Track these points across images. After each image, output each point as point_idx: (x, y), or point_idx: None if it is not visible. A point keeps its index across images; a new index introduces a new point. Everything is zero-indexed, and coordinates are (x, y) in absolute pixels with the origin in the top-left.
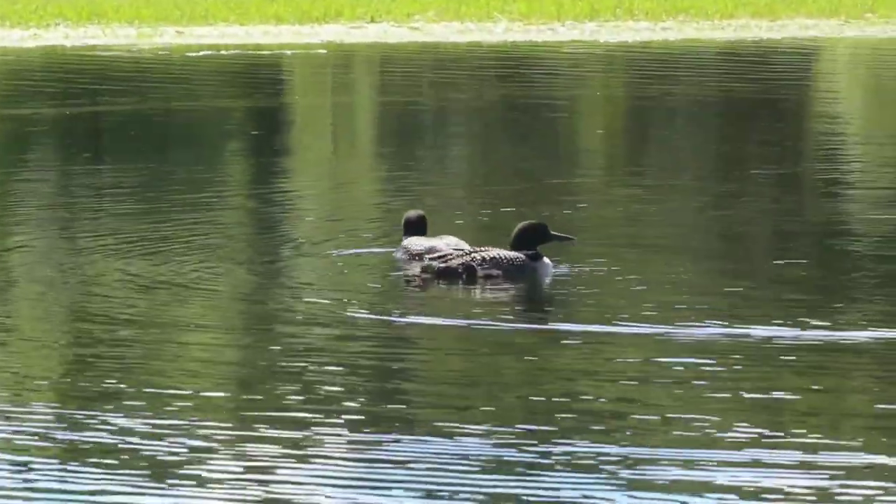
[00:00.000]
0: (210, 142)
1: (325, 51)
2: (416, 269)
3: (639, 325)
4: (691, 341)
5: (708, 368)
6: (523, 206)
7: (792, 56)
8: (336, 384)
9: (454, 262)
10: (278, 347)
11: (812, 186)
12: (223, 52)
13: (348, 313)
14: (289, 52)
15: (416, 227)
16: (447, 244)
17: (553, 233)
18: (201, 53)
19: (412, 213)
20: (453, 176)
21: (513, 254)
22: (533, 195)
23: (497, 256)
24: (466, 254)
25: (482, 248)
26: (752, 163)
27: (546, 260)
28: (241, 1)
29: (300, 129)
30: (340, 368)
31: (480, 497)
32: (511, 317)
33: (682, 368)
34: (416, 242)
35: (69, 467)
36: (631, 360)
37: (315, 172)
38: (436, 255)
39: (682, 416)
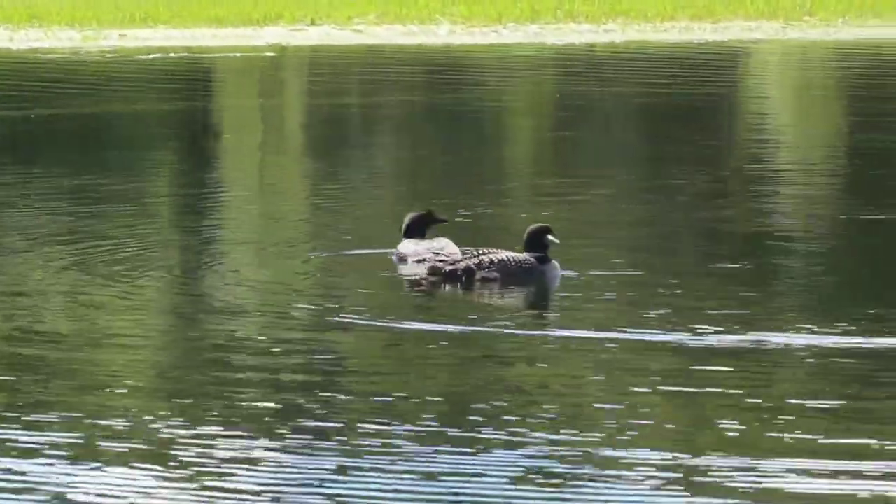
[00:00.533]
0: (143, 145)
1: (273, 53)
2: (422, 271)
3: (633, 331)
4: (701, 348)
5: (723, 375)
6: (453, 208)
7: (733, 58)
8: (327, 390)
9: (462, 265)
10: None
11: (740, 189)
12: (171, 54)
13: (333, 317)
14: (237, 55)
15: (415, 229)
16: (431, 248)
17: (549, 237)
18: (150, 56)
19: (412, 214)
20: (382, 178)
21: (521, 256)
22: (458, 197)
23: (506, 259)
24: (475, 255)
25: (491, 250)
26: (683, 165)
27: (555, 263)
28: (180, 3)
29: (239, 131)
30: (336, 372)
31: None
32: (508, 322)
33: (692, 376)
34: (408, 247)
35: None
36: (627, 366)
37: (247, 175)
38: (438, 257)
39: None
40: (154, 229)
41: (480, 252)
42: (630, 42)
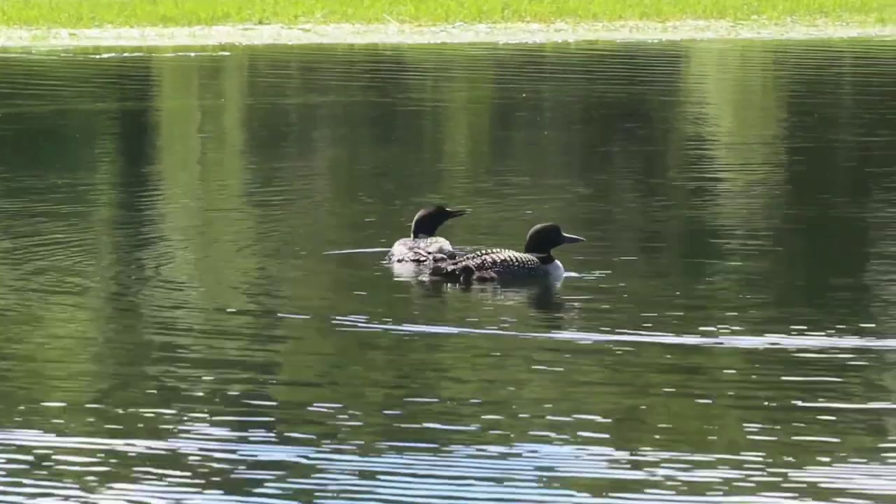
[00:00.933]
0: (81, 145)
1: (225, 52)
2: (427, 270)
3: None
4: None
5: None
6: (392, 208)
7: (681, 57)
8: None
9: (464, 264)
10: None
11: (679, 188)
12: (124, 54)
13: (311, 317)
14: (192, 55)
15: (423, 226)
16: (415, 248)
17: (565, 234)
18: (102, 56)
19: (421, 211)
20: (321, 178)
21: (525, 256)
22: (396, 195)
23: (509, 258)
24: (480, 255)
25: (495, 250)
26: (619, 164)
27: (557, 263)
28: (131, 3)
29: (182, 130)
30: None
31: None
32: (508, 323)
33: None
34: (397, 248)
35: None
36: (630, 368)
37: (189, 174)
38: (437, 256)
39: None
40: (92, 229)
41: (483, 252)
42: (582, 41)
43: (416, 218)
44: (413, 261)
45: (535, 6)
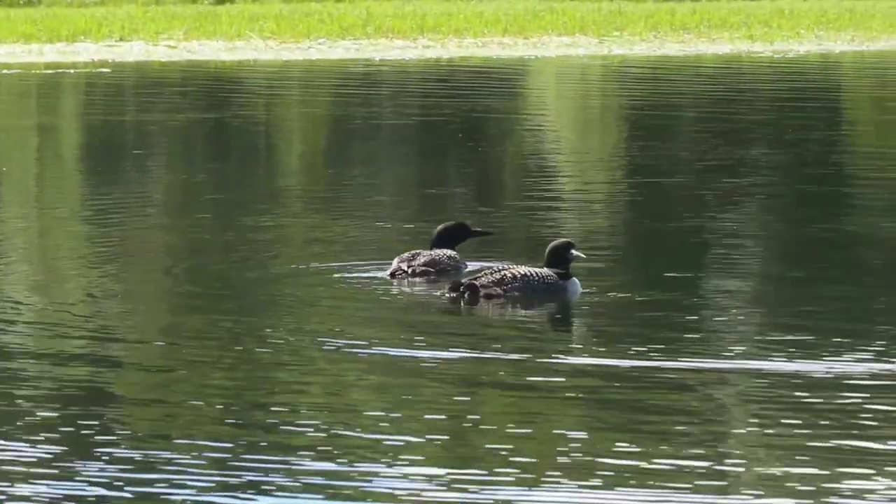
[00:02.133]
0: None
1: (108, 70)
2: (446, 287)
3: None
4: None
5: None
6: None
7: (538, 73)
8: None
9: (481, 280)
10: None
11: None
12: (4, 71)
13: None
14: (72, 71)
15: (443, 240)
16: (404, 259)
17: (574, 252)
18: None
19: (442, 226)
20: (154, 196)
21: (544, 271)
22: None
23: (528, 274)
24: (498, 270)
25: (512, 266)
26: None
27: (575, 279)
28: None
29: (29, 150)
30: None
31: None
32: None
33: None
34: (396, 261)
35: None
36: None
37: (26, 193)
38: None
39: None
40: None
41: (502, 267)
42: (463, 58)
43: (436, 231)
44: (390, 275)
45: (397, 22)
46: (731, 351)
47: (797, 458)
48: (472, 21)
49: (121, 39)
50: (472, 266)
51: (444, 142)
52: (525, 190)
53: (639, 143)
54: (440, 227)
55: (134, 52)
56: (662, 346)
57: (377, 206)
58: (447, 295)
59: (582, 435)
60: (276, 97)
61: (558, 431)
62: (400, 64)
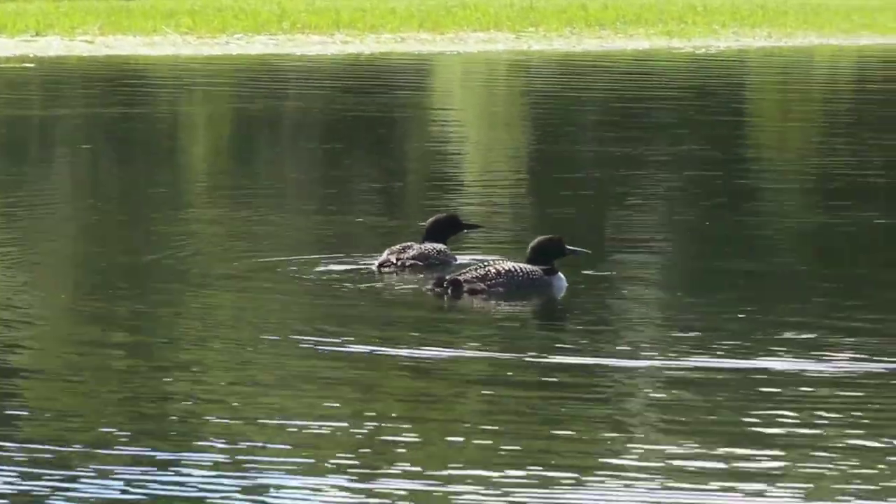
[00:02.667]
0: None
1: (32, 64)
2: (431, 281)
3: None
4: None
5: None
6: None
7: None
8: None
9: (465, 276)
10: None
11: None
12: None
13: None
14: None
15: (435, 233)
16: (394, 252)
17: (569, 247)
18: None
19: (433, 218)
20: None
21: (529, 267)
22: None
23: (513, 269)
24: (482, 266)
25: (497, 260)
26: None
27: (560, 275)
28: None
29: None
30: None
31: None
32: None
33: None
34: (386, 253)
35: None
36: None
37: None
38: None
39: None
40: None
41: (486, 263)
42: (383, 54)
43: (427, 224)
44: (378, 266)
45: (313, 18)
46: (722, 349)
47: (790, 453)
48: (387, 16)
49: (37, 34)
50: (461, 260)
51: (360, 137)
52: (434, 182)
53: (548, 139)
54: (431, 219)
55: (53, 47)
56: (645, 342)
57: (280, 199)
58: (431, 290)
59: (565, 432)
60: (201, 92)
61: (537, 427)
62: (323, 60)
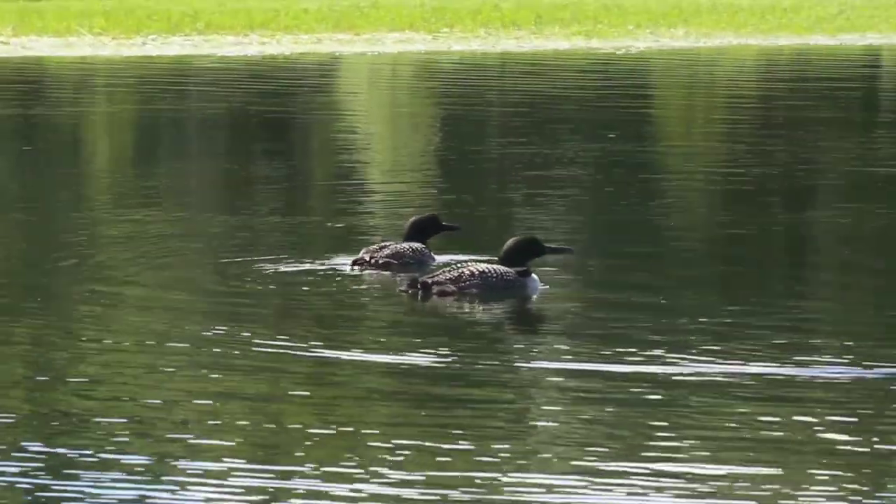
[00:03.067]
0: None
1: None
2: (405, 283)
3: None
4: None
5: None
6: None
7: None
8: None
9: (438, 277)
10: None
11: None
12: None
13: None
14: None
15: (414, 234)
16: (370, 251)
17: (550, 246)
18: None
19: (413, 219)
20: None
21: (502, 269)
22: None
23: (487, 271)
24: (456, 268)
25: (471, 263)
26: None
27: (534, 276)
28: None
29: None
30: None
31: None
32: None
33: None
34: (363, 251)
35: None
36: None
37: None
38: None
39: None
40: None
41: (460, 264)
42: (294, 54)
43: (408, 224)
44: (354, 263)
45: (226, 19)
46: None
47: (756, 458)
48: (300, 17)
49: None
50: (440, 259)
51: (273, 138)
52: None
53: (461, 138)
54: (411, 219)
55: None
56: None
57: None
58: (403, 291)
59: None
60: (113, 93)
61: (509, 426)
62: (241, 61)
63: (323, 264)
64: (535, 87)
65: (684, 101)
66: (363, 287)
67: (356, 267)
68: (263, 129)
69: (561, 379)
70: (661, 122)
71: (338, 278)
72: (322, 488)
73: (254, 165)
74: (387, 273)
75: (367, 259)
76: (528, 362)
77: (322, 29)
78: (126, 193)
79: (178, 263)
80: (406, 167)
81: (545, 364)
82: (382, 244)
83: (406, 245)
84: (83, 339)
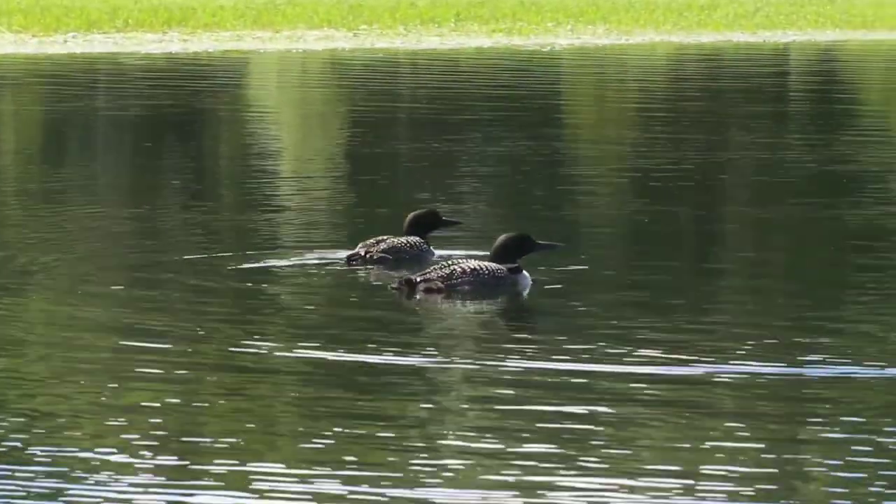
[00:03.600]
0: None
1: None
2: (395, 280)
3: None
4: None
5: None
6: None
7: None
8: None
9: (429, 274)
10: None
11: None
12: None
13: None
14: None
15: (414, 229)
16: (367, 246)
17: (541, 241)
18: None
19: (413, 214)
20: None
21: (494, 266)
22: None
23: (478, 268)
24: (448, 264)
25: (462, 260)
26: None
27: (525, 273)
28: None
29: None
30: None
31: None
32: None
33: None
34: (359, 246)
35: None
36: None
37: None
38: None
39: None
40: None
41: (451, 261)
42: (217, 52)
43: (407, 219)
44: (348, 259)
45: (145, 16)
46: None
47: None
48: (218, 14)
49: None
50: (439, 254)
51: (185, 135)
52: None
53: (377, 136)
54: (411, 215)
55: None
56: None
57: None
58: (395, 289)
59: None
60: (28, 92)
61: (495, 429)
62: (161, 58)
63: (290, 260)
64: (452, 84)
65: (600, 98)
66: (345, 283)
67: (352, 263)
68: (176, 127)
69: (549, 378)
70: (575, 118)
71: (325, 275)
72: (302, 488)
73: (160, 162)
74: (374, 269)
75: (363, 254)
76: (518, 360)
77: (241, 26)
78: (28, 191)
79: (86, 260)
80: (315, 164)
81: (535, 363)
82: (379, 238)
83: (403, 239)
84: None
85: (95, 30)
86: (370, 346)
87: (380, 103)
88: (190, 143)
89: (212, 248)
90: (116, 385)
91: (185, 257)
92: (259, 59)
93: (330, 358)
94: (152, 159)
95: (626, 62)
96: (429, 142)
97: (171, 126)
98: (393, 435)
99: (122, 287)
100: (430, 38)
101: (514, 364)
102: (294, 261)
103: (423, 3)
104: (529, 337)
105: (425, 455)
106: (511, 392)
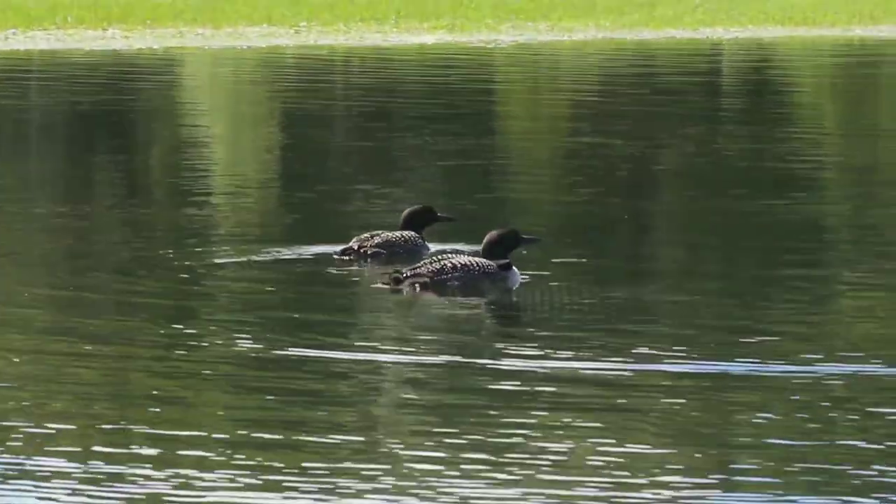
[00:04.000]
0: None
1: None
2: (385, 276)
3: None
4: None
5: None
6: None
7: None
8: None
9: (420, 270)
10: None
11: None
12: None
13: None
14: None
15: (410, 225)
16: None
17: (523, 236)
18: None
19: (409, 209)
20: None
21: (484, 262)
22: None
23: (468, 263)
24: (438, 260)
25: (453, 255)
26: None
27: (515, 270)
28: None
29: None
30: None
31: None
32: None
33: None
34: (354, 241)
35: None
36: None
37: None
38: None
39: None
40: None
41: (442, 257)
42: (161, 49)
43: (403, 215)
44: (341, 253)
45: (85, 13)
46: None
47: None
48: (157, 10)
49: None
50: (433, 249)
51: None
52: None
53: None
54: (406, 210)
55: None
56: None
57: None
58: (385, 284)
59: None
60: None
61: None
62: (103, 55)
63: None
64: (389, 81)
65: (536, 95)
66: (336, 277)
67: (345, 257)
68: (108, 125)
69: (541, 375)
70: (509, 115)
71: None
72: (293, 485)
73: (90, 160)
74: (365, 264)
75: (356, 248)
76: (511, 358)
77: (180, 23)
78: None
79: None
80: (247, 161)
81: (528, 362)
82: (374, 233)
83: (398, 234)
84: None
85: (36, 27)
86: (341, 341)
87: (321, 100)
88: (125, 141)
89: (151, 243)
90: (53, 389)
91: (124, 254)
92: (202, 56)
93: (292, 353)
94: (88, 156)
95: (563, 59)
96: (361, 138)
97: (110, 124)
98: (323, 440)
99: (69, 288)
100: (372, 35)
101: (488, 362)
102: (240, 257)
103: (360, 1)
104: (502, 333)
105: (375, 456)
106: (499, 387)
